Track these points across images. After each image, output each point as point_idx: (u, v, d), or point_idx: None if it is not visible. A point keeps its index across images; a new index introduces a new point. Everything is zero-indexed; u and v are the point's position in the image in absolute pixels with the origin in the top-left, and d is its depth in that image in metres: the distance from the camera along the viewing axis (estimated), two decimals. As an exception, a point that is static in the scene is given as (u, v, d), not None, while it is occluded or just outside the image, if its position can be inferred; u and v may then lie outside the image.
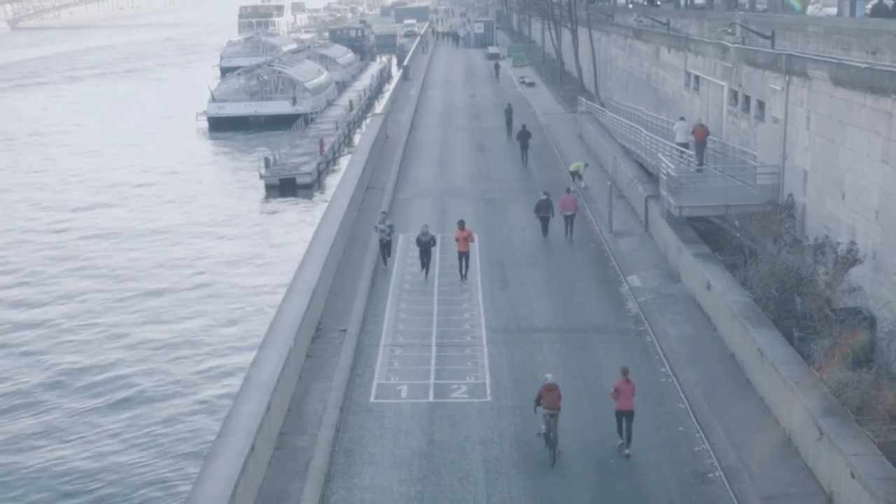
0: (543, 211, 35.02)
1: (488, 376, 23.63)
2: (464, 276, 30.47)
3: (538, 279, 30.83)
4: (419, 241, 30.54)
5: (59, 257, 42.72)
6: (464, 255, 30.37)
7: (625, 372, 20.11)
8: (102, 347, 31.91)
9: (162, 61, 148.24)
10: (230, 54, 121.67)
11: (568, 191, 36.54)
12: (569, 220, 35.06)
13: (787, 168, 28.40)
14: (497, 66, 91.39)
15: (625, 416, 19.86)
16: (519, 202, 39.02)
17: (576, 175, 42.25)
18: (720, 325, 25.03)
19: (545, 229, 35.25)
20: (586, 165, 43.48)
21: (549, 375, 20.40)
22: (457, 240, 30.48)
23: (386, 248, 32.03)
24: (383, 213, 34.20)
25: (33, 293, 37.92)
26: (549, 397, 19.76)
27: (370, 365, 24.39)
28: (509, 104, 61.61)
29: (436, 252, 31.43)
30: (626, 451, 19.81)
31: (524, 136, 48.88)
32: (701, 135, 34.20)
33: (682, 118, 38.46)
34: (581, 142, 53.38)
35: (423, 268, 30.77)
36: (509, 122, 57.46)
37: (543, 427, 19.82)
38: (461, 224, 30.80)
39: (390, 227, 31.97)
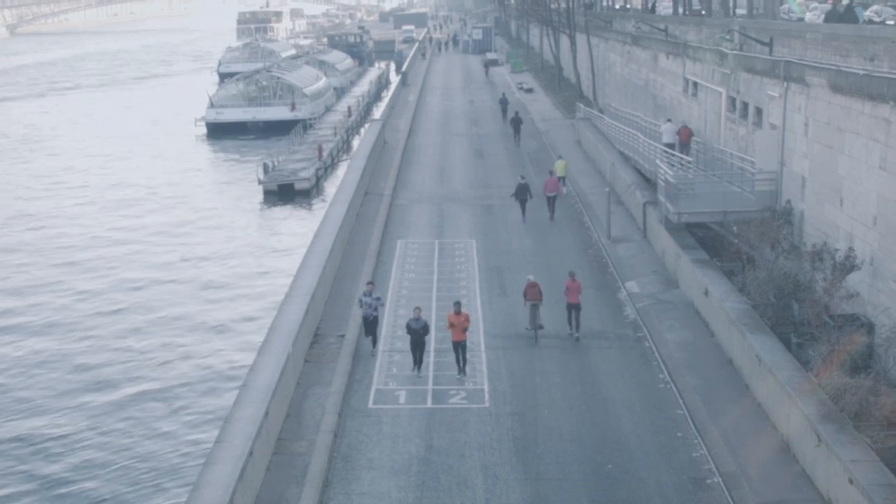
0: (521, 194, 37.97)
1: (486, 382, 23.63)
2: (461, 370, 24.01)
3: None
4: (410, 329, 24.04)
5: (55, 263, 42.67)
6: (459, 346, 23.80)
7: (572, 275, 26.48)
8: (100, 352, 31.87)
9: (160, 67, 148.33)
10: (228, 60, 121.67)
11: (551, 173, 40.25)
12: (551, 200, 38.39)
13: (785, 174, 28.45)
14: (487, 66, 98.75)
15: (573, 309, 26.15)
16: (518, 208, 39.08)
17: (563, 179, 42.23)
18: (718, 331, 25.04)
19: (524, 212, 38.23)
20: (559, 157, 44.99)
21: (531, 276, 26.87)
22: (451, 325, 23.75)
23: (371, 326, 25.47)
24: (369, 283, 26.62)
25: (28, 299, 37.86)
26: (531, 292, 26.01)
27: (368, 370, 24.38)
28: (503, 94, 70.56)
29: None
30: (576, 335, 26.11)
31: (517, 122, 56.81)
32: (686, 136, 37.54)
33: (669, 120, 40.58)
34: (579, 148, 53.46)
35: (415, 364, 24.15)
36: (504, 110, 64.60)
37: (529, 315, 26.09)
38: (457, 307, 24.11)
39: (378, 300, 25.50)
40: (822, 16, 33.01)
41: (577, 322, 26.21)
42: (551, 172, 40.46)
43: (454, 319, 23.70)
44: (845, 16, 30.65)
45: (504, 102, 66.25)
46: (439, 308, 28.74)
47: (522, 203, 38.18)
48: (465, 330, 23.73)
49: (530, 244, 35.49)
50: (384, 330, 27.05)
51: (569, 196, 42.89)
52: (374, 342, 25.70)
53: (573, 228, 37.87)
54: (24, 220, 51.07)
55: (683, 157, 35.38)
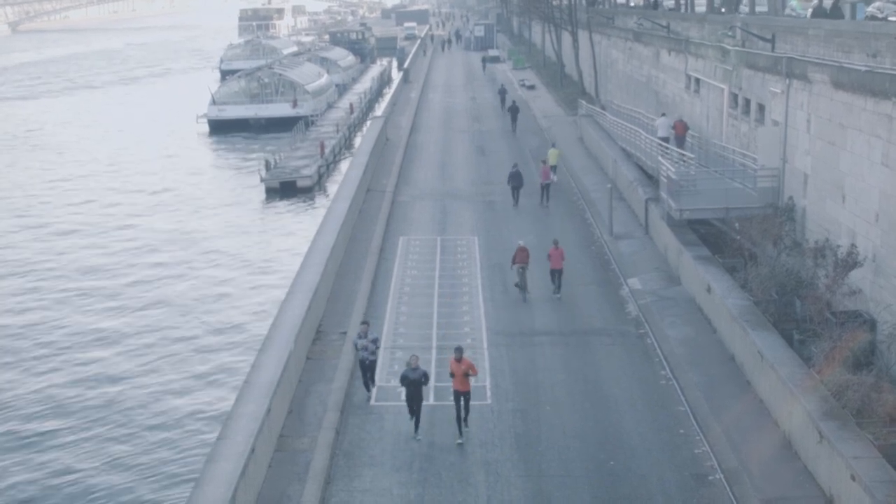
0: (514, 181, 40.43)
1: (489, 379, 23.63)
2: (461, 433, 20.77)
3: (539, 282, 30.81)
4: (405, 380, 20.57)
5: (57, 259, 42.72)
6: (462, 396, 20.72)
7: (555, 242, 29.63)
8: (102, 349, 31.91)
9: (161, 64, 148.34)
10: (230, 57, 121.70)
11: (544, 162, 42.67)
12: (545, 188, 40.66)
13: (788, 171, 28.42)
14: (484, 61, 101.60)
15: (556, 273, 29.35)
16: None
17: (554, 168, 44.21)
18: (720, 327, 25.03)
19: (516, 198, 40.46)
20: (553, 145, 47.90)
21: (521, 241, 30.24)
22: (451, 374, 20.78)
23: (370, 371, 22.74)
24: (364, 324, 23.49)
25: (29, 296, 37.90)
26: (520, 256, 29.18)
27: (370, 367, 24.35)
28: (502, 85, 75.53)
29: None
30: (557, 296, 29.23)
31: (514, 111, 60.81)
32: (681, 129, 38.30)
33: (664, 114, 41.93)
34: (581, 145, 53.45)
35: (412, 417, 20.79)
36: (503, 100, 68.64)
37: (517, 278, 29.32)
38: (458, 353, 20.84)
39: (375, 342, 22.80)
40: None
41: (559, 284, 29.49)
42: (544, 162, 42.69)
43: (455, 367, 20.55)
44: (832, 12, 30.87)
45: (503, 92, 70.70)
46: (441, 307, 28.76)
47: (515, 189, 40.40)
48: (467, 375, 20.55)
49: (532, 241, 35.36)
50: (385, 328, 27.06)
51: (571, 192, 42.99)
52: (368, 386, 22.70)
53: (575, 225, 37.88)
54: (24, 219, 51.10)
55: (681, 151, 35.68)
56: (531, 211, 39.04)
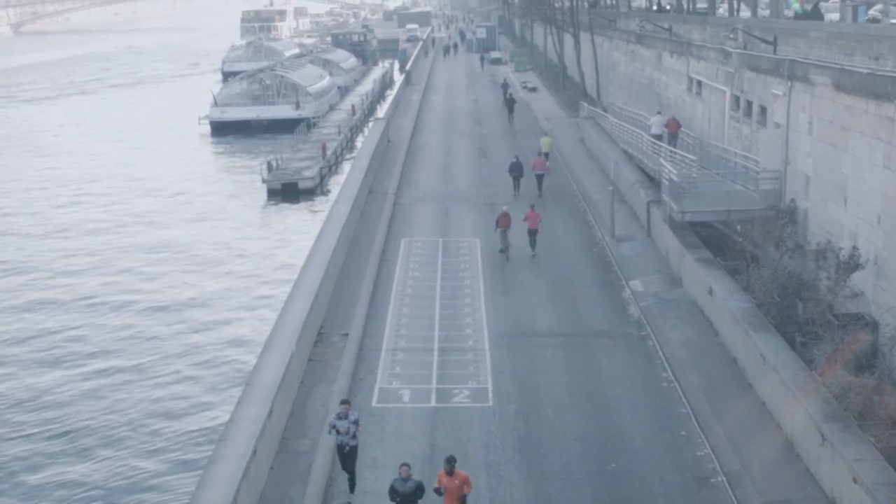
0: (515, 171, 42.66)
1: (490, 381, 23.62)
2: None
3: (540, 284, 30.84)
4: (396, 493, 16.60)
5: (57, 260, 42.73)
6: None
7: (532, 206, 34.32)
8: (103, 351, 31.90)
9: (164, 66, 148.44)
10: (232, 59, 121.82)
11: (539, 154, 45.58)
12: (540, 178, 42.93)
13: (790, 173, 28.42)
14: (483, 59, 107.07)
15: (532, 233, 33.40)
16: (521, 208, 39.10)
17: (546, 155, 47.09)
18: (722, 330, 25.02)
19: (517, 186, 42.62)
20: (545, 134, 51.25)
21: (504, 207, 34.39)
22: (439, 491, 16.64)
23: (349, 459, 18.58)
24: (344, 403, 19.14)
25: (29, 296, 37.91)
26: (503, 220, 33.19)
27: (372, 369, 24.38)
28: (504, 79, 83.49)
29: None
30: (533, 254, 33.36)
31: (510, 102, 66.86)
32: (674, 127, 39.69)
33: (659, 112, 43.18)
34: (583, 146, 53.45)
35: None
36: (505, 92, 73.30)
37: (500, 241, 33.31)
38: (450, 465, 16.49)
39: (355, 423, 18.57)
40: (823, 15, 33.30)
41: (533, 243, 33.55)
42: (539, 153, 45.40)
43: (447, 483, 16.47)
44: (812, 13, 31.61)
45: (505, 86, 77.55)
46: (442, 309, 28.77)
47: (516, 179, 42.67)
48: (462, 500, 16.58)
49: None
50: (387, 330, 27.05)
51: (572, 194, 43.05)
52: (352, 483, 18.68)
53: (577, 226, 37.89)
54: (23, 219, 51.14)
55: (672, 148, 36.52)
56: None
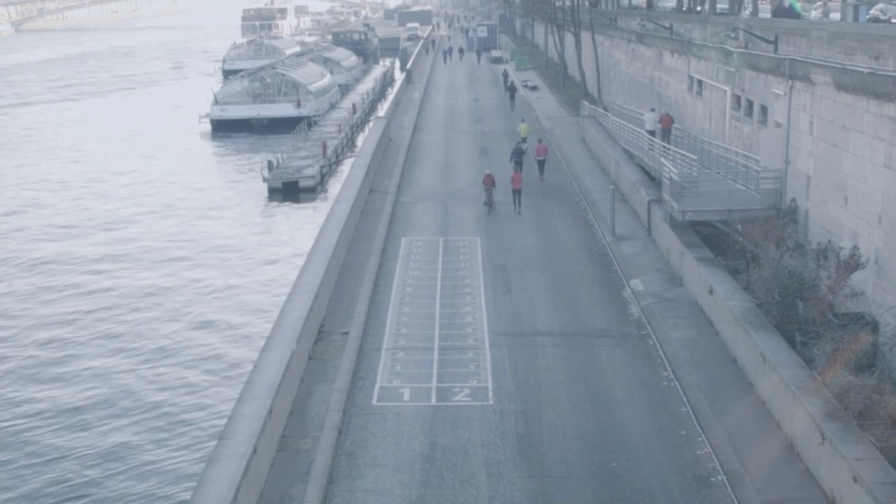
0: (517, 156, 44.86)
1: (491, 380, 23.63)
2: None
3: (541, 283, 30.84)
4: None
5: (56, 259, 42.77)
6: None
7: (516, 169, 40.81)
8: (102, 348, 31.95)
9: (164, 64, 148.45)
10: (233, 57, 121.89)
11: (539, 140, 47.68)
12: (541, 163, 45.66)
13: (790, 173, 28.42)
14: (479, 52, 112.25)
15: (516, 193, 38.82)
16: (523, 207, 39.16)
17: (524, 140, 50.50)
18: (722, 329, 25.03)
19: (517, 170, 43.29)
20: (523, 120, 55.25)
21: (488, 170, 40.41)
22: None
23: None
24: None
25: (30, 294, 37.95)
26: (487, 180, 39.15)
27: (372, 368, 24.39)
28: (505, 69, 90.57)
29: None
30: (518, 211, 38.29)
31: (512, 90, 72.22)
32: (667, 123, 41.12)
33: (653, 109, 44.69)
34: (584, 145, 53.46)
35: None
36: (506, 81, 79.08)
37: (485, 196, 39.25)
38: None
39: None
40: (821, 14, 33.46)
41: (518, 202, 38.88)
42: (539, 140, 47.84)
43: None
44: (789, 11, 32.34)
45: (506, 74, 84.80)
46: (443, 307, 28.77)
47: (518, 164, 44.30)
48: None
49: (534, 242, 35.48)
50: (388, 328, 27.06)
51: (573, 193, 43.07)
52: None
53: (577, 226, 37.88)
54: (23, 218, 51.16)
55: (664, 144, 37.61)
56: (532, 214, 38.94)
